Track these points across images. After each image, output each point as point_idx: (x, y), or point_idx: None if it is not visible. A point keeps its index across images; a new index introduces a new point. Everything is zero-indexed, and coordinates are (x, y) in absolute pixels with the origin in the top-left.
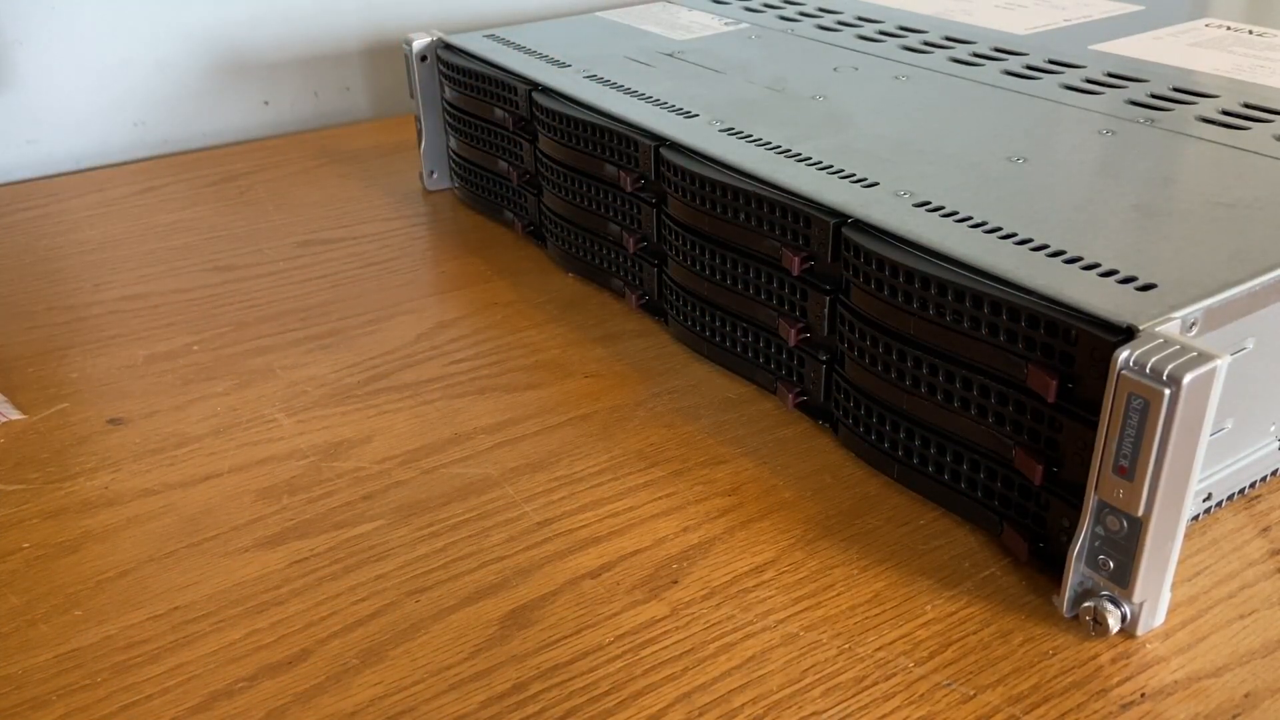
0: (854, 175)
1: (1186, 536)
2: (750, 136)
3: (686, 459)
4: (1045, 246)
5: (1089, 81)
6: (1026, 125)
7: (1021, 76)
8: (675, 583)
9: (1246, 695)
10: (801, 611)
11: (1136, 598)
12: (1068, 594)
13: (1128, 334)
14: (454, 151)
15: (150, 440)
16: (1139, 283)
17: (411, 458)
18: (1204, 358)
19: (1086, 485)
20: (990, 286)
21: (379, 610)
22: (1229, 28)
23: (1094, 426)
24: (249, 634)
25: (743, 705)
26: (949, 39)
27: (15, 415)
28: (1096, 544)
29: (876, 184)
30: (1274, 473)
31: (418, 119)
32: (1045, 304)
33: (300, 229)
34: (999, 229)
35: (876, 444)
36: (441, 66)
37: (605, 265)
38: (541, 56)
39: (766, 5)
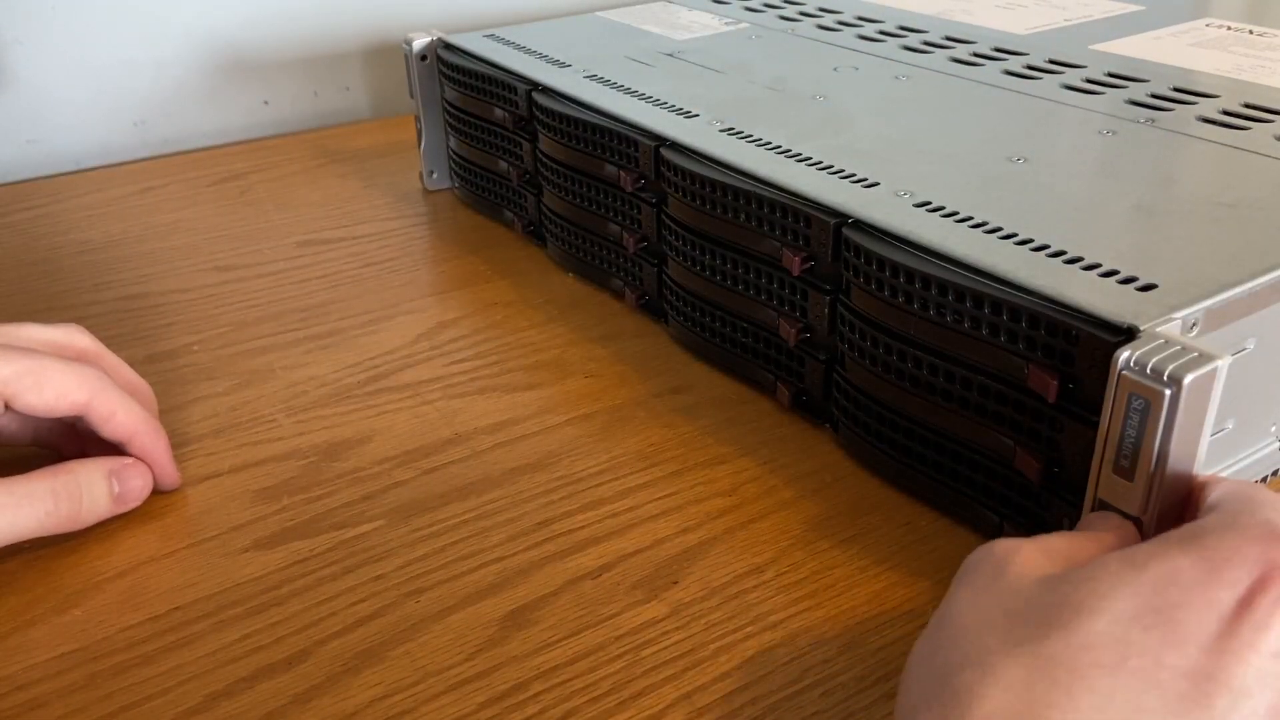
0: (854, 175)
1: None
2: (750, 136)
3: (686, 459)
4: (1046, 247)
5: (1089, 81)
6: (1027, 125)
7: (1022, 76)
8: (675, 583)
9: None
10: (801, 612)
11: None
12: None
13: (1128, 334)
14: (454, 151)
15: None
16: (1140, 283)
17: (411, 458)
18: (1205, 358)
19: (1087, 485)
20: (991, 287)
21: (378, 611)
22: (1229, 28)
23: (1094, 426)
24: (248, 635)
25: (743, 705)
26: (949, 39)
27: None
28: None
29: (877, 184)
30: (1275, 473)
31: (418, 119)
32: (1046, 304)
33: (300, 229)
34: (999, 229)
35: (876, 444)
36: (441, 66)
37: (605, 265)
38: (541, 56)
39: (766, 5)
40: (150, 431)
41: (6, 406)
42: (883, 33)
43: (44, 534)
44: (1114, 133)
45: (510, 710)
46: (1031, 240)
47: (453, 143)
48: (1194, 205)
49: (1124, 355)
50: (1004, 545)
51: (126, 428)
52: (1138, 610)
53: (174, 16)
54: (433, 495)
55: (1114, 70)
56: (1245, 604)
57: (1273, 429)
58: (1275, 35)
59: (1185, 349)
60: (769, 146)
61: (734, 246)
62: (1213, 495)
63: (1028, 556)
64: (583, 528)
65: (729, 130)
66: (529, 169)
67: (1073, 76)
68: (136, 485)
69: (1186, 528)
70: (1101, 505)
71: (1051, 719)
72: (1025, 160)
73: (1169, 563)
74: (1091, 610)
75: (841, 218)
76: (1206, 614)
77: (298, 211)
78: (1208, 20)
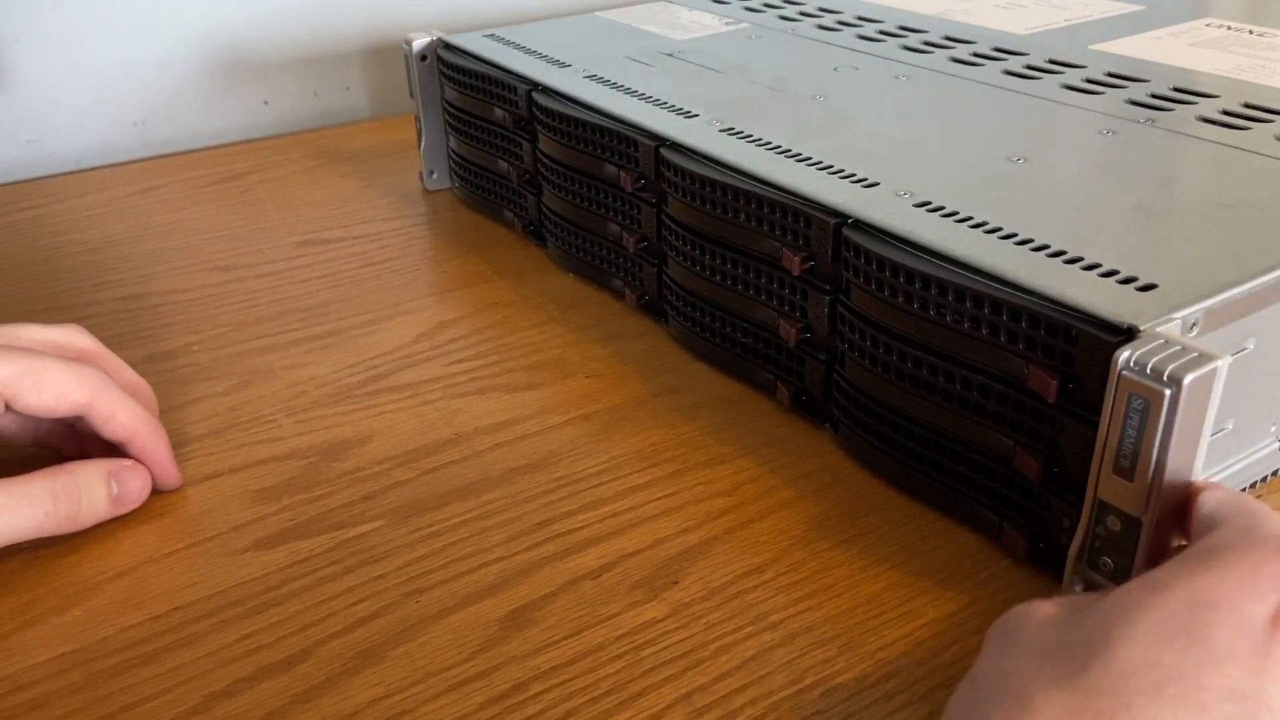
0: (854, 175)
1: None
2: (750, 136)
3: (686, 459)
4: (1046, 247)
5: (1089, 81)
6: (1027, 125)
7: (1022, 76)
8: (675, 583)
9: None
10: (801, 612)
11: None
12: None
13: (1128, 334)
14: (454, 151)
15: None
16: (1140, 283)
17: (411, 458)
18: (1205, 358)
19: (1087, 485)
20: (991, 287)
21: (378, 611)
22: (1229, 28)
23: (1094, 426)
24: (248, 635)
25: (743, 706)
26: (949, 39)
27: None
28: (1096, 544)
29: (877, 184)
30: (1274, 473)
31: (418, 119)
32: (1046, 304)
33: (300, 229)
34: (999, 229)
35: (876, 444)
36: (441, 66)
37: (605, 265)
38: (541, 56)
39: (766, 5)
40: (150, 432)
41: (7, 407)
42: (883, 33)
43: (43, 535)
44: (1114, 133)
45: (510, 710)
46: (1031, 240)
47: (453, 143)
48: (1194, 205)
49: (1124, 355)
50: (1023, 605)
51: (127, 428)
52: (1169, 633)
53: (174, 16)
54: (433, 495)
55: (1114, 70)
56: (1277, 621)
57: (1273, 429)
58: (1275, 35)
59: (1185, 349)
60: (769, 146)
61: (734, 246)
62: (1207, 506)
63: (1046, 608)
64: (583, 528)
65: (729, 130)
66: (529, 169)
67: (1073, 76)
68: (135, 487)
69: (1200, 545)
70: (1101, 505)
71: None
72: (1025, 160)
73: (1193, 582)
74: (1122, 637)
75: (841, 218)
76: (1238, 631)
77: (298, 211)
78: (1208, 20)
